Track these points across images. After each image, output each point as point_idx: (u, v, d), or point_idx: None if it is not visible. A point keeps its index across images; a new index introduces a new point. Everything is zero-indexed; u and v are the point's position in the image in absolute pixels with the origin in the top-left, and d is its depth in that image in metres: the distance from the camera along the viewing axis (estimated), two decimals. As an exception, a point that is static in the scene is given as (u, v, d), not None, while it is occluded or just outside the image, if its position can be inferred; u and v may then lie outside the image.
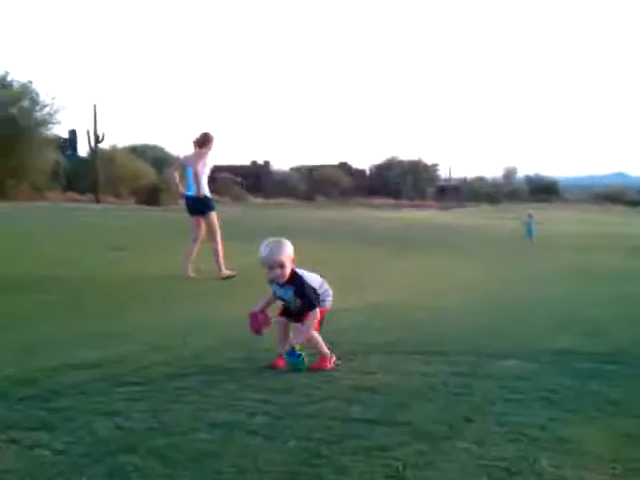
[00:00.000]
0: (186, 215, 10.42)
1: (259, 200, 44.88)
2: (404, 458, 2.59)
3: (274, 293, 4.15)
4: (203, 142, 9.87)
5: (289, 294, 4.05)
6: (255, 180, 51.84)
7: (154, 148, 45.76)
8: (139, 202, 37.01)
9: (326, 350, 4.14)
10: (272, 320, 4.20)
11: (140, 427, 2.92)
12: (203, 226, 10.01)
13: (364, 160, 72.04)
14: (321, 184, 47.93)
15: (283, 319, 4.18)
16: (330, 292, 4.27)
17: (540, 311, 6.83)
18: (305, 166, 55.22)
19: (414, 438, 2.82)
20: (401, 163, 56.06)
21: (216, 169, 47.47)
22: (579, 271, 11.58)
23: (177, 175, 10.61)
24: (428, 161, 57.94)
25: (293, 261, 4.05)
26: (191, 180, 9.87)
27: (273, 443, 2.75)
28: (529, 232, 18.62)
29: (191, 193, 9.94)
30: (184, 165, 10.21)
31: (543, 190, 58.21)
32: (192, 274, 9.77)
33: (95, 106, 39.73)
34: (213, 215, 10.02)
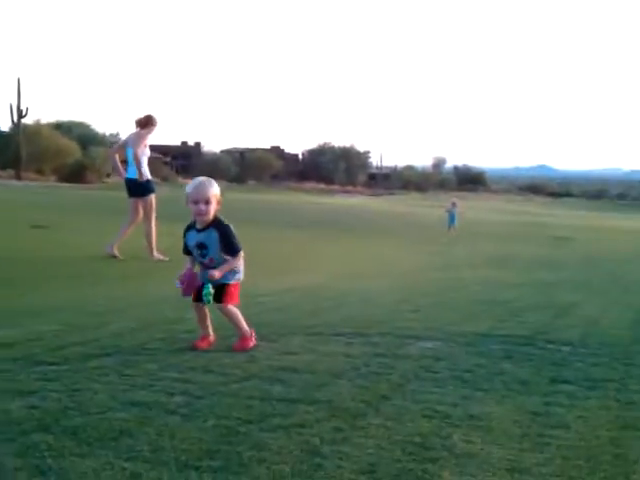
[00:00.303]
0: (119, 195, 10.12)
1: (188, 181, 44.17)
2: (322, 434, 2.64)
3: (188, 244, 4.03)
4: (145, 123, 9.70)
5: (212, 237, 3.94)
6: (185, 161, 51.03)
7: (80, 125, 44.33)
8: (62, 179, 35.80)
9: (246, 328, 4.12)
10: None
11: (55, 407, 2.86)
12: (141, 209, 9.82)
13: (297, 145, 71.92)
14: (252, 167, 47.62)
15: (199, 305, 4.08)
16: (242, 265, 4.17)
17: (460, 296, 7.03)
18: (237, 149, 54.67)
19: (332, 415, 2.87)
20: (333, 149, 56.25)
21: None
22: (499, 259, 11.96)
23: (118, 157, 10.30)
24: (360, 148, 58.33)
25: (219, 203, 3.98)
26: (131, 161, 9.71)
27: (191, 422, 2.74)
28: (452, 220, 18.60)
29: (131, 175, 9.77)
30: (125, 146, 10.00)
31: (470, 180, 59.64)
32: (116, 252, 9.59)
33: (19, 79, 38.17)
34: (152, 197, 9.83)
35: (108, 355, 3.77)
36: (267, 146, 57.02)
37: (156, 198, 9.92)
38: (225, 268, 3.98)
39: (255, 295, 6.19)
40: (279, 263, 10.05)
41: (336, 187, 48.94)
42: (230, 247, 4.00)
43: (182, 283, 3.99)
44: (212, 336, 4.15)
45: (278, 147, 58.03)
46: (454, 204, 18.94)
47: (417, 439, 2.65)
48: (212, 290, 3.96)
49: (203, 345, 4.06)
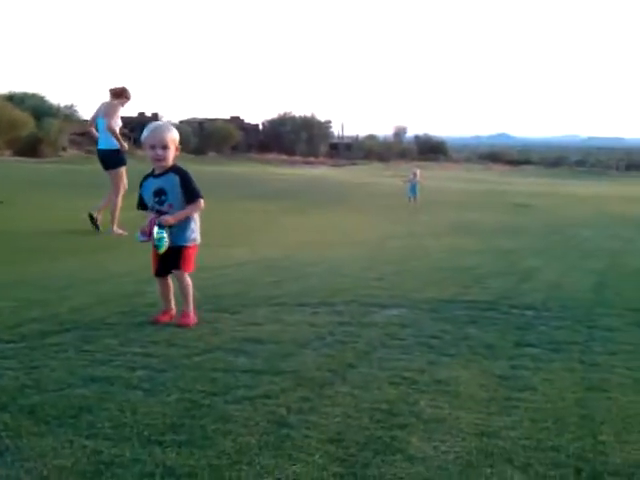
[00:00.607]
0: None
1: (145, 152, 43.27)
2: (288, 404, 2.60)
3: (144, 193, 3.88)
4: (119, 94, 9.42)
5: (172, 181, 3.80)
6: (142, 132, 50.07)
7: (33, 96, 42.99)
8: (17, 153, 34.83)
9: (191, 305, 3.95)
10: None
11: (12, 385, 2.75)
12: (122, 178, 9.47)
13: (257, 115, 71.00)
14: (212, 138, 46.95)
15: (162, 279, 3.97)
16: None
17: (423, 263, 7.05)
18: (196, 119, 53.77)
19: (298, 385, 2.84)
20: (294, 119, 55.78)
21: (101, 120, 44.77)
22: (460, 226, 12.02)
23: (93, 129, 9.84)
24: (321, 118, 57.89)
25: (177, 150, 3.85)
26: (102, 130, 9.37)
27: (154, 396, 2.67)
28: (412, 191, 17.79)
29: (102, 146, 9.47)
30: (97, 115, 9.61)
31: (431, 149, 59.85)
32: (120, 231, 9.24)
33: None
34: (121, 170, 9.48)
35: (66, 331, 3.67)
36: (227, 116, 56.08)
37: (127, 170, 9.57)
38: (181, 214, 3.80)
39: (217, 267, 6.10)
40: (241, 235, 9.94)
41: (298, 158, 48.57)
42: (191, 192, 3.82)
43: (146, 234, 3.78)
44: (174, 310, 4.04)
45: (238, 117, 57.14)
46: (415, 174, 18.11)
47: (384, 406, 2.63)
48: (166, 237, 3.75)
49: (165, 319, 3.97)
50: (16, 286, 5.25)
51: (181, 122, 53.06)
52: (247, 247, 8.39)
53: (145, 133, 3.82)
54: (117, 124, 9.37)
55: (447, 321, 4.08)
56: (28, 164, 27.14)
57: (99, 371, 2.95)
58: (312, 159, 49.90)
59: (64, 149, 39.01)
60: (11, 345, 3.38)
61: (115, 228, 9.37)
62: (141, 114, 55.40)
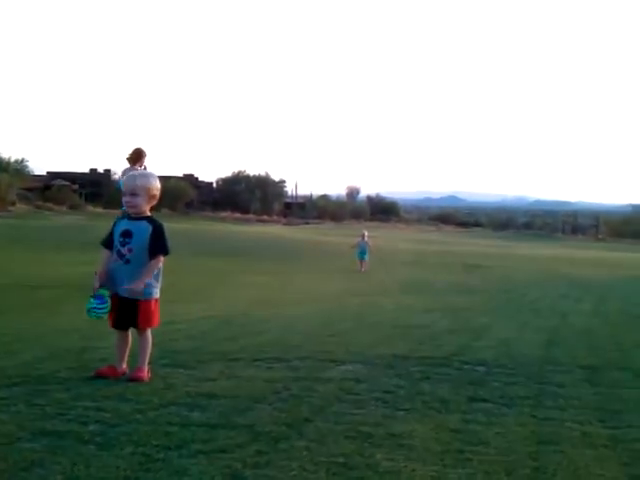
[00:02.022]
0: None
1: (99, 209, 42.94)
2: (244, 458, 2.58)
3: (115, 230, 3.86)
4: (136, 159, 9.75)
5: (142, 228, 3.79)
6: (95, 189, 49.64)
7: (-17, 151, 42.39)
8: (-36, 208, 34.06)
9: (147, 361, 3.88)
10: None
11: (-42, 439, 2.67)
12: None
13: (211, 173, 71.19)
14: (166, 196, 46.79)
15: (121, 332, 3.89)
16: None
17: (377, 321, 7.11)
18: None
19: (254, 439, 2.82)
20: (248, 178, 56.18)
21: (51, 176, 44.61)
22: (412, 285, 12.17)
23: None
24: (275, 177, 58.49)
25: (153, 198, 3.87)
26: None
27: (108, 450, 2.62)
28: (362, 254, 16.12)
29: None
30: (119, 181, 9.94)
31: (383, 210, 60.92)
32: None
33: None
34: None
35: (16, 385, 3.57)
36: (180, 174, 56.23)
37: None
38: (146, 274, 3.76)
39: (171, 322, 6.04)
40: (195, 291, 9.87)
41: (252, 216, 48.73)
42: (159, 244, 3.82)
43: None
44: (124, 369, 3.92)
45: (192, 175, 57.34)
46: (363, 236, 16.59)
47: (340, 459, 2.63)
48: (98, 307, 3.72)
49: (108, 373, 3.82)
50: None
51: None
52: (203, 303, 8.33)
53: (124, 179, 3.98)
54: None
55: (401, 377, 4.12)
56: (-25, 218, 26.52)
57: (50, 425, 2.88)
58: (266, 217, 50.17)
59: (13, 204, 38.31)
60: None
61: None
62: (93, 170, 55.14)
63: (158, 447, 2.68)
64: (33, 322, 6.41)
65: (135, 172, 4.04)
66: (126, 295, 3.78)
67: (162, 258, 3.86)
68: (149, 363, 3.93)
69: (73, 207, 42.24)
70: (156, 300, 3.90)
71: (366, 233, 16.98)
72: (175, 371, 4.05)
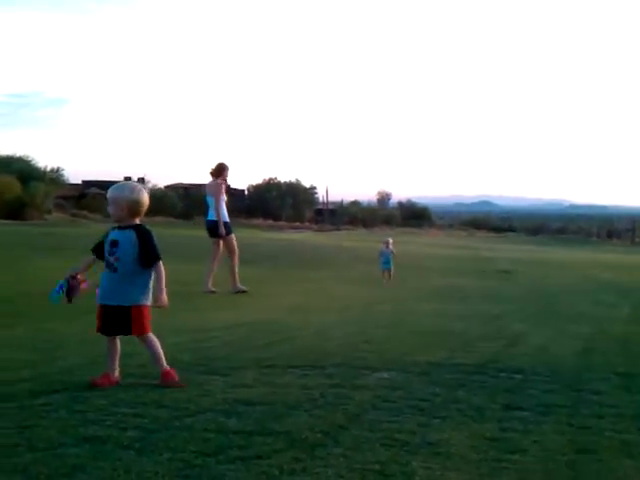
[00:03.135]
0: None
1: (133, 218, 43.41)
2: (281, 465, 2.61)
3: (107, 239, 3.95)
4: (218, 172, 10.80)
5: (127, 236, 3.87)
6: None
7: (20, 160, 43.28)
8: (2, 216, 34.80)
9: (164, 361, 3.97)
10: (84, 286, 3.99)
11: (4, 444, 2.74)
12: (221, 247, 10.78)
13: (242, 180, 71.66)
14: (198, 203, 47.20)
15: (110, 338, 3.96)
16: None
17: (411, 327, 7.08)
18: (181, 184, 54.25)
19: (290, 446, 2.84)
20: (279, 185, 56.42)
21: (86, 185, 45.22)
22: (445, 292, 12.10)
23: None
24: (306, 183, 58.62)
25: (137, 213, 3.94)
26: (212, 207, 10.70)
27: (146, 456, 2.67)
28: (385, 263, 14.62)
29: (211, 217, 10.75)
30: (205, 193, 11.16)
31: (414, 216, 60.58)
32: (213, 288, 10.31)
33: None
34: (231, 237, 10.81)
35: (57, 391, 3.66)
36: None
37: (236, 238, 10.94)
38: (161, 284, 3.88)
39: (205, 330, 6.12)
40: (228, 298, 9.95)
41: (283, 223, 48.93)
42: (150, 251, 3.88)
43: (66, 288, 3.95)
44: (116, 376, 3.96)
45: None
46: (387, 243, 15.03)
47: (376, 467, 2.64)
48: (62, 292, 3.93)
49: (103, 383, 3.83)
50: (5, 347, 5.22)
51: (166, 187, 53.55)
52: (235, 310, 8.39)
53: (109, 190, 4.01)
54: (222, 199, 10.69)
55: (436, 384, 4.11)
56: (12, 227, 27.08)
57: (91, 430, 2.95)
58: (297, 224, 50.26)
59: (49, 212, 39.05)
60: (2, 405, 3.36)
61: (238, 285, 10.51)
62: (127, 178, 55.93)
63: (196, 453, 2.72)
64: (72, 328, 6.53)
65: (119, 183, 4.11)
66: (115, 303, 3.86)
67: (161, 263, 3.92)
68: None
69: (108, 215, 42.82)
70: (146, 306, 3.94)
71: (390, 240, 15.49)
72: (210, 378, 4.10)
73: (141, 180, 54.55)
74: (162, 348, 4.02)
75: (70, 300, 3.98)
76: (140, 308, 3.89)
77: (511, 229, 58.27)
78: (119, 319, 3.87)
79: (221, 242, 10.78)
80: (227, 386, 3.91)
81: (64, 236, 22.30)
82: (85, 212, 42.05)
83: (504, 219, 67.74)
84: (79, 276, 4.00)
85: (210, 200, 10.79)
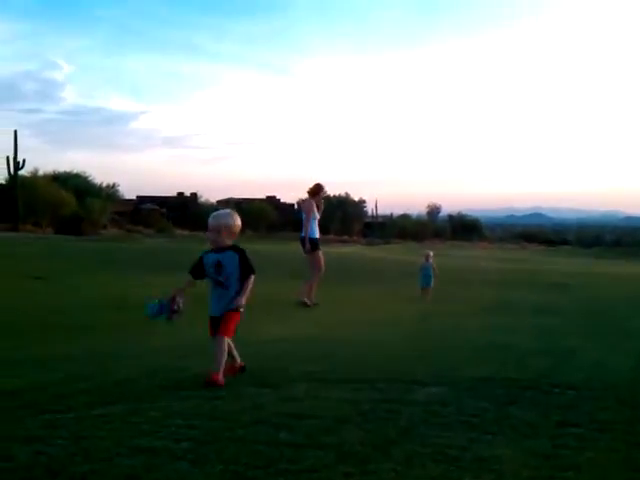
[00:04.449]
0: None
1: (185, 232, 44.30)
2: (331, 479, 2.62)
3: (205, 262, 4.48)
4: (315, 192, 11.57)
5: (231, 257, 4.43)
6: (182, 212, 51.26)
7: (76, 176, 44.61)
8: (59, 231, 35.88)
9: (221, 367, 4.33)
10: (180, 309, 4.48)
11: (61, 453, 2.84)
12: (321, 259, 11.43)
13: (292, 194, 72.36)
14: (249, 217, 47.76)
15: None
16: None
17: (461, 341, 7.01)
18: (233, 199, 55.02)
19: (341, 460, 2.85)
20: (328, 198, 56.62)
21: (140, 200, 46.14)
22: (496, 305, 11.93)
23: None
24: (355, 197, 58.70)
25: (233, 234, 4.51)
26: (303, 224, 11.43)
27: (199, 467, 2.72)
28: (425, 279, 13.76)
29: (302, 234, 11.47)
30: (300, 211, 11.96)
31: (465, 229, 59.95)
32: (309, 302, 10.97)
33: (16, 132, 38.57)
34: (317, 253, 11.42)
35: (112, 403, 3.75)
36: (262, 196, 57.36)
37: (323, 254, 11.62)
38: (245, 292, 4.44)
39: (254, 343, 6.18)
40: (278, 312, 10.03)
41: (332, 236, 48.97)
42: (248, 268, 4.47)
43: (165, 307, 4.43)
44: (239, 362, 4.63)
45: (274, 197, 58.37)
46: (427, 257, 14.16)
47: (429, 483, 2.63)
48: (156, 306, 4.41)
49: (230, 372, 4.46)
50: (63, 360, 5.39)
51: (219, 202, 54.38)
52: (285, 324, 8.46)
53: (209, 218, 4.53)
54: (309, 218, 11.28)
55: (487, 399, 4.05)
56: (69, 242, 27.86)
57: (145, 442, 3.01)
58: (346, 238, 50.29)
59: (105, 227, 40.07)
60: (59, 415, 3.47)
61: (307, 298, 11.00)
62: (180, 194, 57.05)
63: (247, 465, 2.75)
64: (127, 342, 6.70)
65: (218, 212, 4.64)
66: (218, 314, 4.46)
67: (253, 277, 4.50)
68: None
69: (161, 230, 43.73)
70: (239, 312, 4.50)
71: (431, 254, 14.56)
72: (261, 391, 4.14)
73: (193, 196, 55.61)
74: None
75: (170, 319, 4.47)
76: (233, 313, 4.46)
77: (565, 242, 57.08)
78: (219, 322, 4.45)
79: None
80: (277, 399, 3.95)
81: (118, 250, 22.82)
82: (140, 227, 43.00)
83: (557, 231, 66.38)
84: (177, 297, 4.47)
85: (303, 217, 11.47)
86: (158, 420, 3.40)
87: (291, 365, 5.14)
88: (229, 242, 4.50)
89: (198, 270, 4.54)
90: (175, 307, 4.42)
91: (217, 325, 4.44)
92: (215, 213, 4.60)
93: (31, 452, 2.83)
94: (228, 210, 4.70)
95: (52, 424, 3.28)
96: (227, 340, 4.43)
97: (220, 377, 4.27)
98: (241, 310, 4.47)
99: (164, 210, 50.68)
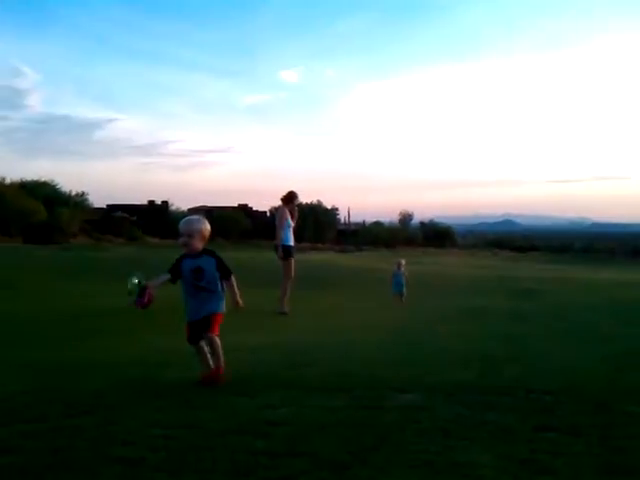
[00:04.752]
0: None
1: (156, 240, 43.94)
2: (309, 487, 2.61)
3: (183, 268, 4.62)
4: (287, 200, 11.47)
5: (209, 262, 4.63)
6: (152, 220, 50.82)
7: (45, 184, 43.99)
8: (28, 240, 35.34)
9: (222, 360, 4.67)
10: (151, 299, 4.48)
11: (38, 464, 2.78)
12: (292, 267, 11.39)
13: (264, 202, 72.31)
14: (221, 225, 47.54)
15: (196, 346, 4.68)
16: None
17: (435, 348, 7.04)
18: (205, 207, 54.74)
19: (318, 467, 2.85)
20: (301, 206, 56.63)
21: (110, 208, 45.71)
22: (469, 312, 12.00)
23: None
24: (328, 205, 58.80)
25: (204, 239, 4.67)
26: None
27: (177, 477, 2.70)
28: (397, 286, 14.20)
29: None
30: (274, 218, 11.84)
31: (437, 236, 60.37)
32: (283, 309, 10.96)
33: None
34: (289, 261, 11.41)
35: (88, 413, 3.70)
36: (235, 204, 57.17)
37: (295, 262, 11.52)
38: (238, 292, 4.75)
39: (230, 351, 6.09)
40: (253, 320, 9.98)
41: (305, 244, 48.95)
42: (225, 270, 4.70)
43: (141, 301, 4.42)
44: (212, 370, 4.69)
45: (246, 205, 58.22)
46: (399, 265, 14.59)
47: (405, 489, 2.63)
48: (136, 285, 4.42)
49: (213, 375, 4.61)
50: (34, 370, 5.29)
51: (190, 210, 54.04)
52: (259, 332, 8.42)
53: (180, 223, 4.69)
54: (281, 225, 11.33)
55: (463, 405, 4.08)
56: (38, 251, 27.45)
57: (122, 452, 2.98)
58: (319, 245, 50.34)
59: (75, 236, 39.57)
60: (35, 425, 3.41)
61: (284, 308, 10.98)
62: (151, 202, 56.57)
63: (224, 474, 2.74)
64: (101, 351, 6.60)
65: (189, 217, 4.80)
66: (199, 318, 4.63)
67: (233, 277, 4.74)
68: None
69: (132, 238, 43.30)
70: (222, 314, 4.74)
71: (403, 262, 14.99)
72: (238, 399, 4.12)
73: (164, 204, 55.20)
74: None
75: (144, 307, 4.46)
76: (219, 315, 4.69)
77: (534, 248, 57.81)
78: (202, 327, 4.61)
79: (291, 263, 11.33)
80: (254, 407, 3.93)
81: (87, 259, 22.55)
82: (109, 236, 42.55)
83: (527, 238, 67.22)
84: (150, 290, 4.47)
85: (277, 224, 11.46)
86: (135, 430, 3.36)
87: (267, 373, 5.12)
88: (201, 246, 4.65)
89: (175, 272, 4.65)
90: (146, 299, 4.42)
91: (197, 329, 4.61)
92: (186, 219, 4.75)
93: (6, 464, 2.77)
94: (197, 216, 4.83)
95: (26, 434, 3.22)
96: (216, 337, 4.66)
97: (221, 375, 4.63)
98: (222, 311, 4.70)
99: (134, 218, 50.18)
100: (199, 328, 4.62)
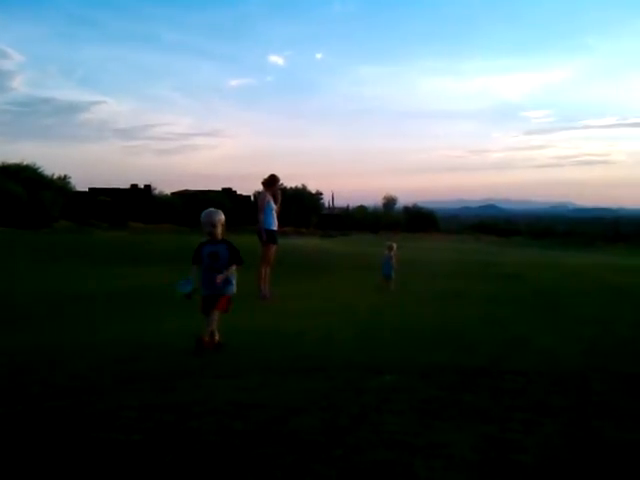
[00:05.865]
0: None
1: (139, 224, 43.70)
2: (284, 466, 2.63)
3: (203, 253, 5.45)
4: (268, 183, 11.29)
5: (223, 248, 5.47)
6: (135, 204, 50.47)
7: (27, 168, 43.49)
8: (9, 224, 34.99)
9: (210, 331, 5.37)
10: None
11: (13, 447, 2.77)
12: (270, 252, 11.26)
13: (248, 186, 71.91)
14: (204, 209, 47.34)
15: (207, 316, 5.40)
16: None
17: (415, 330, 7.08)
18: (188, 191, 54.44)
19: (294, 448, 2.86)
20: (285, 190, 56.47)
21: (93, 192, 45.12)
22: (450, 295, 12.07)
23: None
24: (312, 189, 58.71)
25: (223, 226, 5.56)
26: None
27: (152, 459, 2.70)
28: (387, 269, 13.68)
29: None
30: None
31: (421, 221, 60.53)
32: (265, 293, 10.86)
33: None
34: (270, 246, 11.30)
35: (63, 396, 3.69)
36: (218, 188, 56.88)
37: (275, 247, 11.43)
38: (226, 274, 5.43)
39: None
40: (236, 304, 9.98)
41: (289, 229, 48.91)
42: (238, 258, 5.54)
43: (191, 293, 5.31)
44: (217, 338, 5.45)
45: (230, 189, 57.96)
46: (390, 248, 13.94)
47: (379, 468, 2.66)
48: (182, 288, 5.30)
49: (209, 346, 5.28)
50: (9, 352, 5.26)
51: (173, 194, 53.73)
52: (240, 315, 8.40)
53: (203, 215, 5.56)
54: (269, 208, 11.24)
55: (440, 386, 4.12)
56: (19, 234, 27.22)
57: (98, 434, 2.97)
58: (303, 230, 50.32)
59: (57, 220, 39.25)
60: (8, 409, 3.40)
61: (262, 291, 10.89)
62: (134, 186, 56.15)
63: (199, 456, 2.74)
64: (77, 334, 6.58)
65: (209, 210, 5.59)
66: (211, 293, 5.42)
67: (235, 266, 5.51)
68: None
69: (114, 222, 43.03)
70: (230, 295, 5.57)
71: (395, 246, 14.30)
72: (216, 382, 4.14)
73: (147, 187, 54.83)
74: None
75: (190, 297, 5.33)
76: (226, 296, 5.52)
77: (517, 233, 58.16)
78: (212, 302, 5.42)
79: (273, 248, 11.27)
80: (232, 389, 3.94)
81: (70, 243, 22.39)
82: (92, 220, 42.24)
83: (510, 223, 67.59)
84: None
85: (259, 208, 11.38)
86: (110, 412, 3.36)
87: (245, 356, 5.15)
88: (221, 234, 5.50)
89: (197, 258, 5.49)
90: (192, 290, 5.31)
91: (208, 303, 5.41)
92: (207, 211, 5.59)
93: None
94: (214, 208, 5.61)
95: (1, 417, 3.21)
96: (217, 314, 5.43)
97: (207, 340, 5.31)
98: (232, 294, 5.54)
99: (117, 202, 49.78)
100: (210, 303, 5.40)
